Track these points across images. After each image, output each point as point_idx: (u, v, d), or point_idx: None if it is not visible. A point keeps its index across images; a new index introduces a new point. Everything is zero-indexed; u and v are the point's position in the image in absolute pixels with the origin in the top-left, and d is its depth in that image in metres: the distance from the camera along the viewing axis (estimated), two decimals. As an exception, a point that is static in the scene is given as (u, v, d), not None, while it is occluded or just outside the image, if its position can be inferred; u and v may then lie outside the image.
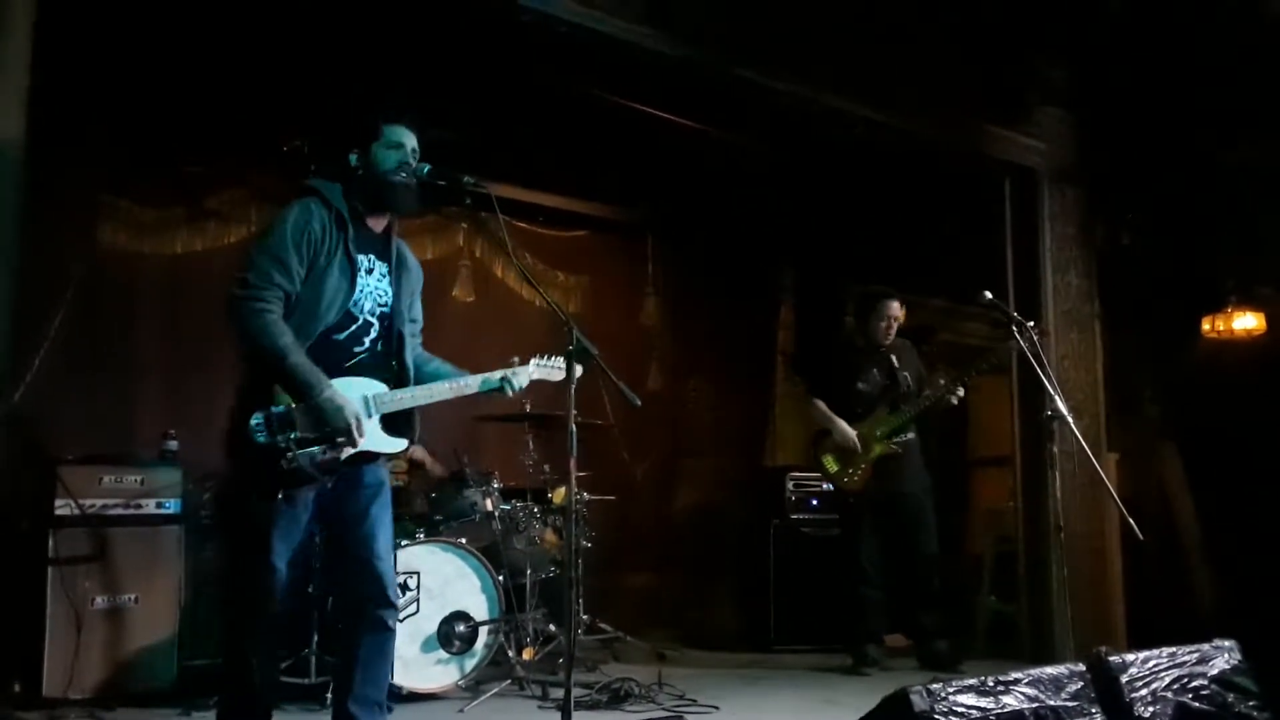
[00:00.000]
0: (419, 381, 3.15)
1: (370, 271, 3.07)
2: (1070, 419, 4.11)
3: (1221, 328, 6.49)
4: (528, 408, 5.05)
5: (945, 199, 6.39)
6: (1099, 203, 6.26)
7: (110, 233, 5.18)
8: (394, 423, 3.07)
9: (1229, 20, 5.51)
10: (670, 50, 4.66)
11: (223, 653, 3.10)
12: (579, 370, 3.19)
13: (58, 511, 4.17)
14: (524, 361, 3.32)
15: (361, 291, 3.02)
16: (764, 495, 6.28)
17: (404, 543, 4.43)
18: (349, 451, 2.93)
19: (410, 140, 3.13)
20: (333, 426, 2.87)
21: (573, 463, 3.15)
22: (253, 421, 2.82)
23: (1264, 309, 6.42)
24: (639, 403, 3.20)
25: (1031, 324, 4.56)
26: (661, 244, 7.16)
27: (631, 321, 7.04)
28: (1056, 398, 4.13)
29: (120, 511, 4.30)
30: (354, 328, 3.01)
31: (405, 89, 4.87)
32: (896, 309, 5.45)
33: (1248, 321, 6.43)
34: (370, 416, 2.99)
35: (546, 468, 5.16)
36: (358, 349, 3.02)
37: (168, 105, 5.01)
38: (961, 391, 5.24)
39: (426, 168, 3.13)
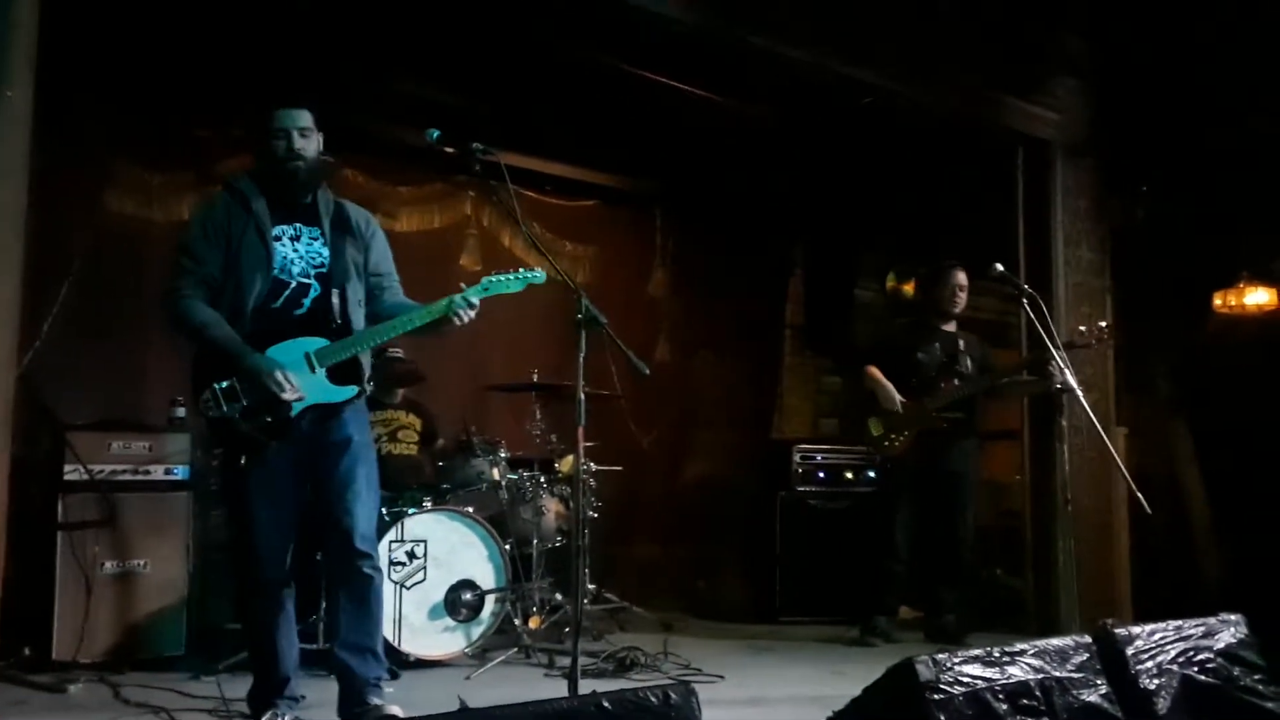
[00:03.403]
0: None
1: (296, 238, 3.20)
2: (1080, 393, 4.09)
3: (1233, 303, 6.45)
4: (535, 377, 5.05)
5: (956, 171, 6.33)
6: (1112, 176, 6.20)
7: (118, 198, 5.16)
8: (340, 372, 3.16)
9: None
10: (682, 16, 4.61)
11: (239, 619, 3.33)
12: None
13: (67, 477, 4.20)
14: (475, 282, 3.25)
15: (285, 259, 3.15)
16: (771, 467, 6.27)
17: (411, 511, 4.45)
18: (294, 410, 3.06)
19: (298, 120, 3.16)
20: (262, 388, 3.02)
21: (580, 432, 3.16)
22: (202, 398, 3.03)
23: (1276, 285, 6.38)
24: (647, 371, 3.21)
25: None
26: (671, 215, 7.11)
27: (640, 293, 7.01)
28: (1066, 371, 4.11)
29: (129, 477, 4.32)
30: (288, 292, 3.15)
31: (298, 65, 4.86)
32: (963, 278, 5.37)
33: (1260, 297, 6.40)
34: (314, 371, 3.10)
35: (554, 437, 5.15)
36: (297, 311, 3.15)
37: (176, 69, 4.98)
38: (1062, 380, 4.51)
39: (436, 133, 3.15)
